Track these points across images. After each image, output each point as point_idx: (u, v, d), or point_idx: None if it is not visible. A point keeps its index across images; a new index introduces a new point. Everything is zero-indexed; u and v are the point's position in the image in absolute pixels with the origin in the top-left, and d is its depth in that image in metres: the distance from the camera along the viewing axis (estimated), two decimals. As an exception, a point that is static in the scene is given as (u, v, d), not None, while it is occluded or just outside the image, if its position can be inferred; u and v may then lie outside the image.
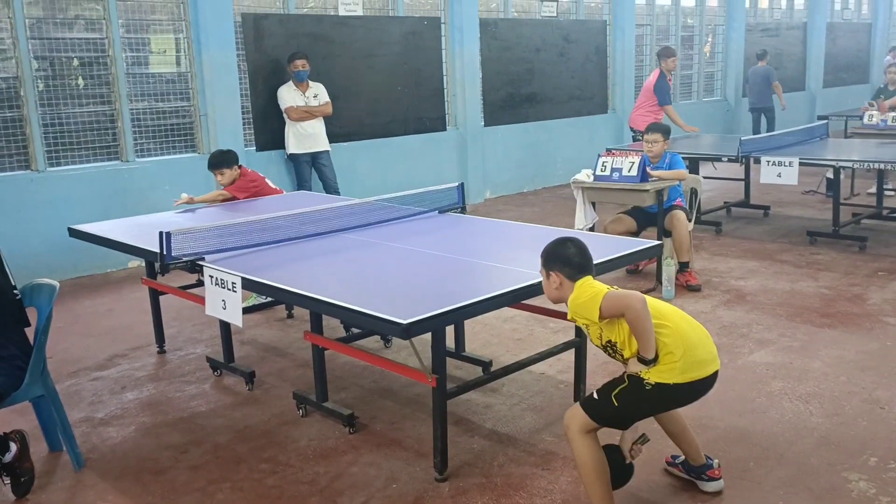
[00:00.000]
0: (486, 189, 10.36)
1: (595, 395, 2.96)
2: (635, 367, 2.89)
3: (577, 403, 3.01)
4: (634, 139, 9.01)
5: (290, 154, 8.05)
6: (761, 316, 5.32)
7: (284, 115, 7.94)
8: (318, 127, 8.05)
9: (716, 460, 3.27)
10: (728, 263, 6.69)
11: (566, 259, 2.99)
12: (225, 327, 4.63)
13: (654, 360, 2.83)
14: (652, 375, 2.84)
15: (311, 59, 8.02)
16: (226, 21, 7.69)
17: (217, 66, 7.64)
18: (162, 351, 5.11)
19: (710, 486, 3.23)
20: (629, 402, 2.88)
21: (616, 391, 2.90)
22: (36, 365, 3.42)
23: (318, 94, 8.03)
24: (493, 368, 4.38)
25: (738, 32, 14.10)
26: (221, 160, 5.73)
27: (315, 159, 8.09)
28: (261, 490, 3.39)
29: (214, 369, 4.72)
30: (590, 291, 2.91)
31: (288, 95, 7.91)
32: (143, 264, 7.19)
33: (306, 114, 7.92)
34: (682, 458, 3.32)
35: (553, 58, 11.03)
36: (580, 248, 3.02)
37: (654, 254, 4.05)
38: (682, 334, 2.87)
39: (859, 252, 6.92)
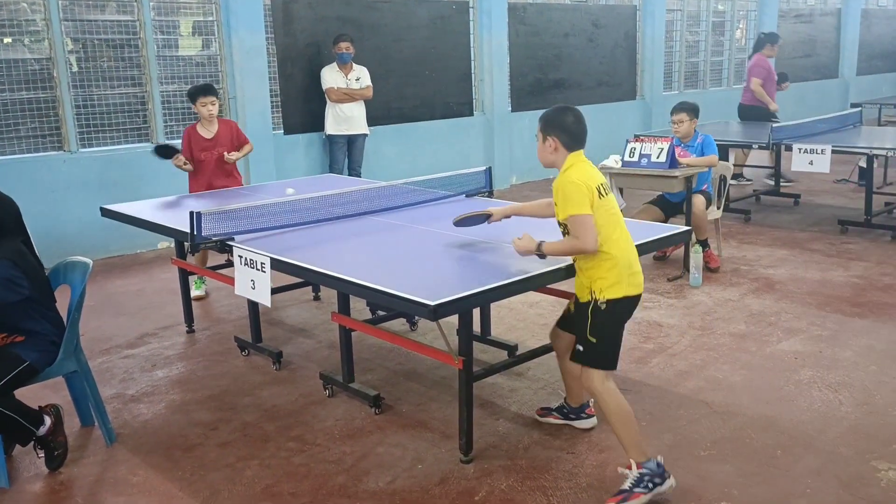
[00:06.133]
0: (512, 174, 10.33)
1: (580, 348, 3.16)
2: (549, 248, 3.19)
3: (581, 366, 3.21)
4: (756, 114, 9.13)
5: (328, 135, 8.12)
6: (790, 304, 5.27)
7: (326, 96, 8.00)
8: (356, 110, 8.08)
9: (591, 399, 3.55)
10: (757, 251, 6.63)
11: (565, 126, 3.13)
12: (253, 307, 4.67)
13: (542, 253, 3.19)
14: (604, 294, 3.06)
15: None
16: (255, 4, 7.72)
17: (246, 50, 7.68)
18: (191, 330, 5.17)
19: (588, 423, 3.63)
20: (600, 329, 3.09)
21: (587, 330, 3.11)
22: (69, 341, 3.48)
23: (360, 77, 8.06)
24: (518, 352, 4.39)
25: (770, 18, 13.87)
26: (212, 87, 5.81)
27: (350, 142, 8.14)
28: (288, 468, 3.43)
29: (242, 349, 4.77)
30: (577, 196, 3.01)
31: (329, 76, 7.95)
32: (173, 245, 7.30)
33: (346, 96, 7.95)
34: (557, 404, 3.69)
35: (582, 43, 10.95)
36: (578, 119, 3.16)
37: (682, 239, 4.02)
38: (626, 256, 3.10)
39: (892, 241, 6.81)
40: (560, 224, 3.17)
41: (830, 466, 3.28)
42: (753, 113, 9.12)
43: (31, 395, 3.61)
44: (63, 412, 3.60)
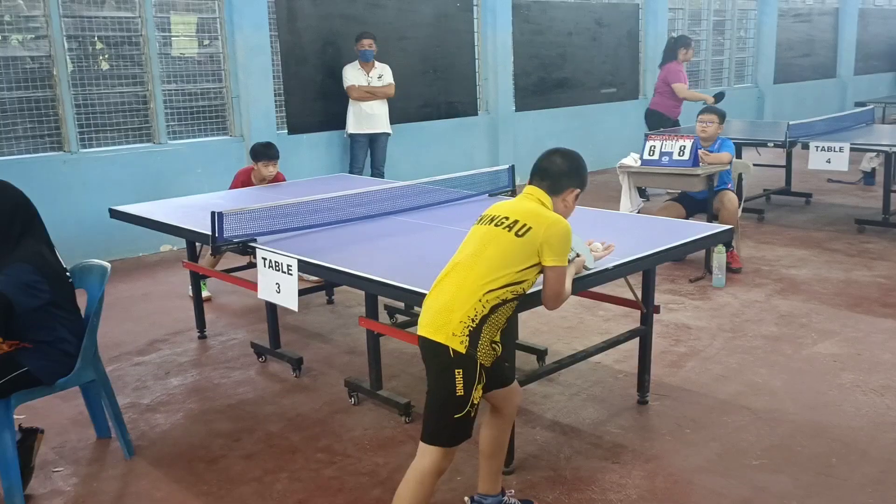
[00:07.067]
0: (516, 174, 10.15)
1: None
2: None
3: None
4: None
5: (349, 134, 7.94)
6: (819, 305, 5.14)
7: (347, 94, 7.84)
8: (378, 108, 7.92)
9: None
10: (776, 252, 6.50)
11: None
12: (272, 312, 4.48)
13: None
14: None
15: (344, 41, 7.87)
16: (259, 1, 7.53)
17: (250, 48, 7.49)
18: (203, 336, 4.98)
19: None
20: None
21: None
22: (88, 349, 3.28)
23: (382, 74, 7.90)
24: (547, 356, 4.25)
25: (770, 17, 13.80)
26: (275, 150, 5.62)
27: (373, 140, 7.98)
28: (320, 481, 3.25)
29: (259, 355, 4.58)
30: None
31: (351, 74, 7.79)
32: (177, 248, 7.11)
33: (367, 94, 7.78)
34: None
35: (585, 42, 10.82)
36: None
37: (724, 239, 3.87)
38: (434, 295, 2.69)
39: (911, 241, 6.72)
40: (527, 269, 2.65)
41: (890, 475, 3.14)
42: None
43: (44, 405, 3.42)
44: (39, 443, 3.31)
